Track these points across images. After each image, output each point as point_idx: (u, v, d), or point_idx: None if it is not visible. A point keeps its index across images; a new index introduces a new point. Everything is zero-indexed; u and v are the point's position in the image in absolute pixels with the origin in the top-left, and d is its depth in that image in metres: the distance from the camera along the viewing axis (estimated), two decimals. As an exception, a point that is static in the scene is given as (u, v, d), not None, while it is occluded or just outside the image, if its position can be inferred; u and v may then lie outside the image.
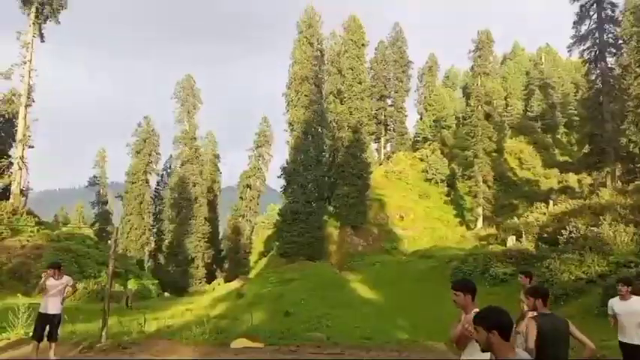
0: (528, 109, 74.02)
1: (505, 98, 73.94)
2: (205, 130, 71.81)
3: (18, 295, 19.38)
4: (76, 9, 46.03)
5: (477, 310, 4.51)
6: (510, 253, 23.36)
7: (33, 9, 43.38)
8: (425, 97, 78.24)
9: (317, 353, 9.86)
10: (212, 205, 65.92)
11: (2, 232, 30.69)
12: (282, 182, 44.29)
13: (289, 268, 33.53)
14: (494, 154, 53.38)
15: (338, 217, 46.24)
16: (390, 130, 74.06)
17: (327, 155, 48.64)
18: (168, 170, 68.59)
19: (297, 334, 12.54)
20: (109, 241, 13.93)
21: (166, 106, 65.92)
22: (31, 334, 9.20)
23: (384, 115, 73.51)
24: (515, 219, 36.38)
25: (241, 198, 65.98)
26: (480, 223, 49.31)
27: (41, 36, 44.60)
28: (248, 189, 65.87)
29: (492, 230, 41.33)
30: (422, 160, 63.73)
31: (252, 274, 44.83)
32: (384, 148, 75.77)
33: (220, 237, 69.06)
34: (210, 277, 58.81)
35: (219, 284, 47.63)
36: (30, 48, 43.06)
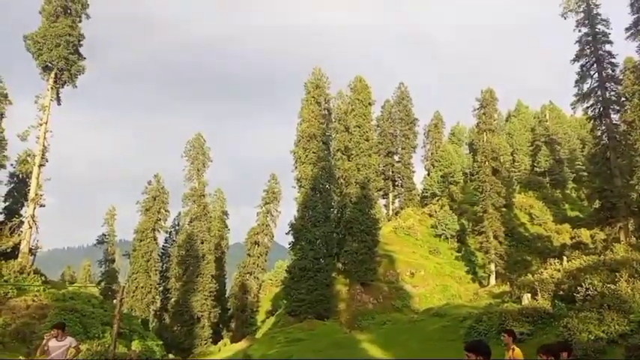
0: (535, 164, 74.36)
1: (512, 154, 74.52)
2: (214, 187, 72.53)
3: (20, 357, 18.93)
4: (90, 70, 48.08)
5: None
6: (526, 312, 22.61)
7: (52, 74, 45.41)
8: (432, 153, 79.13)
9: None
10: (219, 262, 65.32)
11: (8, 292, 30.41)
12: (291, 239, 44.07)
13: (298, 327, 32.64)
14: (503, 209, 53.08)
15: (347, 274, 45.49)
16: (397, 185, 74.35)
17: (335, 211, 48.64)
18: (177, 227, 68.64)
19: (305, 400, 12.00)
20: (115, 301, 13.75)
21: (177, 164, 67.06)
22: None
23: (392, 171, 74.07)
24: (530, 275, 35.51)
25: (249, 255, 65.44)
26: (492, 280, 48.18)
27: (58, 99, 46.35)
28: (256, 246, 65.46)
29: (506, 287, 40.31)
30: (431, 215, 63.40)
31: (259, 334, 43.59)
32: (393, 203, 75.74)
33: (227, 295, 67.86)
34: (216, 337, 57.19)
35: (225, 345, 46.22)
36: (47, 111, 44.65)
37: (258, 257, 65.09)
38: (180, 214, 67.02)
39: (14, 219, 44.33)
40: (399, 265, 50.58)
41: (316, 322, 34.04)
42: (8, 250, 41.80)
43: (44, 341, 8.78)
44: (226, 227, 71.19)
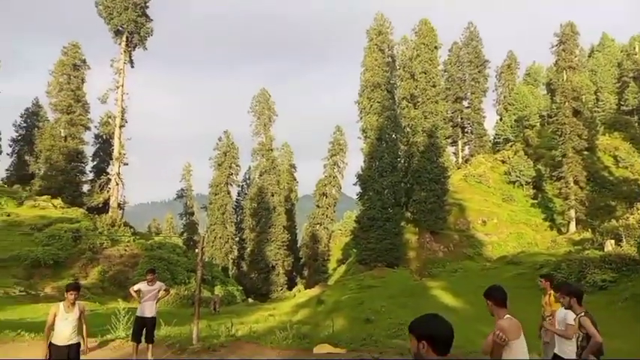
0: (622, 102, 68.04)
1: (595, 93, 68.59)
2: (281, 141, 73.76)
3: (118, 300, 21.00)
4: (158, 33, 49.69)
5: (508, 316, 4.26)
6: (610, 259, 21.47)
7: (123, 38, 47.32)
8: (504, 97, 74.76)
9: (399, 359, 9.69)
10: (290, 214, 67.40)
11: (103, 243, 33.50)
12: (358, 189, 44.30)
13: (368, 275, 33.35)
14: (585, 152, 49.58)
15: (416, 223, 45.32)
16: (467, 132, 71.52)
17: (402, 161, 47.96)
18: (248, 181, 71.20)
19: (378, 341, 12.41)
20: (196, 250, 14.70)
21: (244, 120, 68.69)
22: (130, 335, 9.93)
23: (461, 118, 71.13)
24: (614, 221, 33.47)
25: (318, 206, 66.84)
26: (572, 227, 45.94)
27: (131, 62, 48.49)
28: (324, 197, 66.60)
29: (587, 234, 38.32)
30: (504, 162, 60.75)
31: (331, 281, 45.12)
32: (462, 151, 73.24)
33: (299, 245, 70.34)
34: (290, 284, 60.04)
35: (299, 291, 48.46)
36: (122, 74, 46.98)
37: (327, 208, 66.32)
38: (250, 168, 69.34)
39: (102, 177, 48.14)
40: (470, 213, 49.46)
41: (386, 270, 34.56)
42: (100, 205, 45.80)
43: (136, 286, 9.69)
44: (295, 180, 72.80)
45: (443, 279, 31.26)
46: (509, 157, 59.90)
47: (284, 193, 65.94)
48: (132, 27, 47.05)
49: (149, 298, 9.46)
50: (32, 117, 61.45)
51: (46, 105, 57.56)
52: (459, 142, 72.45)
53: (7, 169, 58.76)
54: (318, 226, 65.66)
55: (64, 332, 6.25)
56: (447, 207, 46.81)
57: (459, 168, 65.97)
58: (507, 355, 4.00)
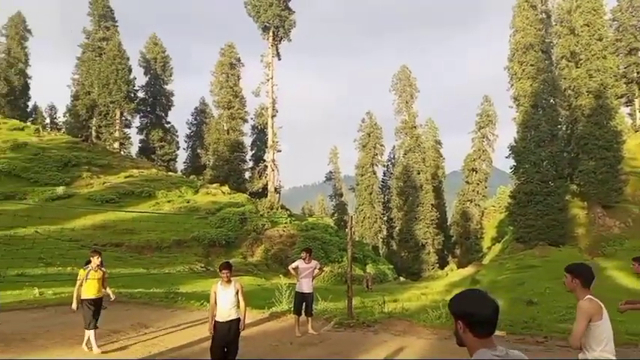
0: None
1: None
2: (425, 118, 71.86)
3: (280, 276, 22.94)
4: (301, 22, 51.82)
5: (589, 296, 3.67)
6: None
7: (270, 33, 50.60)
8: (696, 40, 61.72)
9: (565, 346, 8.89)
10: (437, 191, 65.73)
11: (264, 224, 36.77)
12: (512, 162, 41.12)
13: (528, 254, 31.03)
14: None
15: (584, 197, 40.46)
16: (646, 88, 60.92)
17: (563, 128, 43.04)
18: (393, 160, 71.13)
19: (543, 325, 11.54)
20: (347, 230, 15.30)
21: (386, 100, 68.32)
22: (292, 309, 10.83)
23: (637, 72, 60.87)
24: None
25: (467, 182, 63.95)
26: None
27: (278, 55, 51.72)
28: (474, 172, 63.39)
29: None
30: (698, 119, 50.64)
31: (485, 261, 43.04)
32: (640, 111, 62.77)
33: (449, 223, 68.35)
34: (442, 263, 58.86)
35: (452, 270, 47.27)
36: (271, 67, 50.42)
37: (477, 184, 63.09)
38: (394, 147, 69.12)
39: (260, 164, 52.78)
40: (654, 182, 42.43)
41: (549, 249, 31.69)
42: (259, 190, 50.35)
43: (294, 264, 10.52)
44: (441, 156, 70.62)
45: (620, 258, 27.59)
46: None
47: (430, 170, 64.44)
48: (277, 21, 50.09)
49: (306, 275, 10.19)
50: (200, 114, 69.67)
51: (210, 103, 64.93)
52: (636, 102, 62.21)
53: (184, 162, 67.93)
54: (468, 203, 62.93)
55: (223, 309, 6.61)
56: (622, 177, 40.78)
57: (636, 131, 56.85)
58: (587, 337, 3.54)
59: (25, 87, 62.55)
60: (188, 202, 38.21)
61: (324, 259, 33.37)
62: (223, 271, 6.73)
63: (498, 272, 26.99)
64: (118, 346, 9.03)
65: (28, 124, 52.14)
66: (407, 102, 63.72)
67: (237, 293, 6.75)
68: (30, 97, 64.68)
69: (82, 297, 8.42)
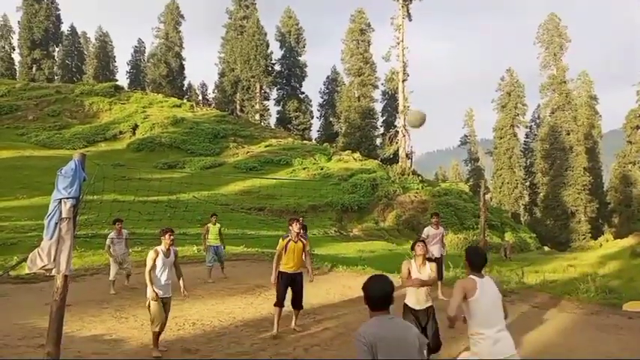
0: None
1: None
2: (576, 72, 63.87)
3: (410, 241, 22.93)
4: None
5: (471, 276, 3.93)
6: None
7: (400, -7, 49.00)
8: None
9: None
10: (592, 153, 58.76)
11: (396, 190, 36.77)
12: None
13: None
14: None
15: None
16: None
17: None
18: (537, 121, 65.18)
19: None
20: (481, 194, 14.71)
21: (527, 54, 62.15)
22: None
23: None
24: None
25: (629, 142, 55.87)
26: None
27: (409, 16, 50.01)
28: (638, 130, 55.10)
29: None
30: None
31: (651, 232, 37.65)
32: None
33: (605, 188, 60.95)
34: (595, 233, 53.05)
35: (607, 240, 42.38)
36: (401, 30, 49.05)
37: (644, 144, 54.81)
38: (539, 106, 63.25)
39: (391, 130, 52.47)
40: None
41: None
42: (391, 156, 50.27)
43: (424, 230, 10.52)
44: (596, 114, 62.62)
45: None
46: None
47: (583, 130, 57.66)
48: (407, -20, 48.26)
49: (436, 241, 10.21)
50: (332, 83, 71.15)
51: (341, 71, 65.83)
52: None
53: (318, 130, 70.53)
54: (630, 165, 55.20)
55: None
56: None
57: None
58: (466, 312, 3.88)
59: (181, 68, 69.91)
60: (322, 169, 39.79)
61: (457, 226, 32.42)
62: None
63: (667, 245, 23.47)
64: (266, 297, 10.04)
65: (184, 101, 58.54)
66: (555, 54, 57.31)
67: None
68: (185, 77, 72.28)
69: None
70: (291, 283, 7.46)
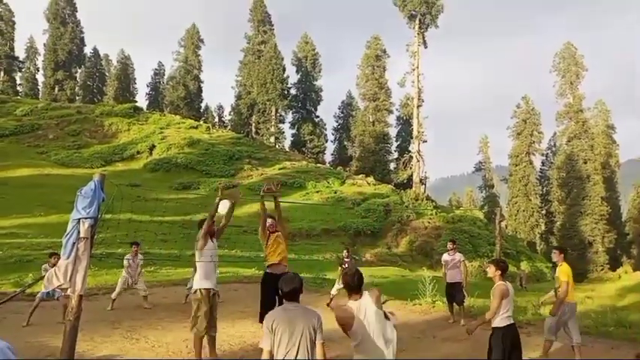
0: None
1: None
2: (593, 100, 63.51)
3: (424, 268, 22.64)
4: (448, 5, 49.87)
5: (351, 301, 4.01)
6: None
7: (416, 21, 49.69)
8: None
9: None
10: (609, 183, 57.86)
11: (409, 215, 36.53)
12: None
13: None
14: None
15: None
16: None
17: None
18: (553, 149, 64.63)
19: None
20: (496, 223, 14.56)
21: (542, 82, 62.19)
22: (439, 300, 10.76)
23: None
24: None
25: (649, 172, 55.02)
26: None
27: (424, 43, 50.56)
28: (658, 161, 54.27)
29: None
30: None
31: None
32: None
33: (623, 218, 59.75)
34: (613, 264, 51.80)
35: (626, 272, 41.36)
36: (416, 56, 49.53)
37: (663, 174, 53.88)
38: (555, 134, 62.78)
39: (405, 155, 52.46)
40: None
41: None
42: (404, 181, 50.09)
43: (443, 257, 10.51)
44: (614, 143, 61.87)
45: None
46: None
47: (600, 159, 56.97)
48: (423, 9, 48.98)
49: (452, 266, 10.20)
50: (347, 107, 71.74)
51: (356, 95, 66.47)
52: None
53: (332, 154, 70.83)
54: (650, 196, 54.20)
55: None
56: None
57: None
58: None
59: (199, 90, 71.29)
60: (335, 193, 39.77)
61: (472, 253, 31.94)
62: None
63: (689, 279, 22.80)
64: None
65: (201, 122, 59.47)
66: (571, 83, 57.15)
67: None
68: (202, 99, 73.65)
69: None
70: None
